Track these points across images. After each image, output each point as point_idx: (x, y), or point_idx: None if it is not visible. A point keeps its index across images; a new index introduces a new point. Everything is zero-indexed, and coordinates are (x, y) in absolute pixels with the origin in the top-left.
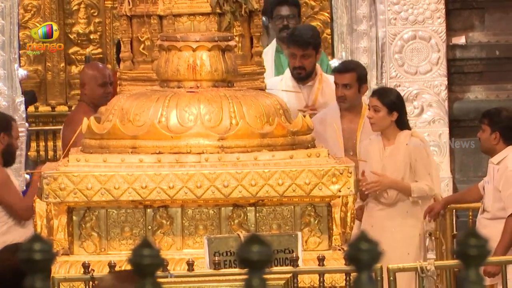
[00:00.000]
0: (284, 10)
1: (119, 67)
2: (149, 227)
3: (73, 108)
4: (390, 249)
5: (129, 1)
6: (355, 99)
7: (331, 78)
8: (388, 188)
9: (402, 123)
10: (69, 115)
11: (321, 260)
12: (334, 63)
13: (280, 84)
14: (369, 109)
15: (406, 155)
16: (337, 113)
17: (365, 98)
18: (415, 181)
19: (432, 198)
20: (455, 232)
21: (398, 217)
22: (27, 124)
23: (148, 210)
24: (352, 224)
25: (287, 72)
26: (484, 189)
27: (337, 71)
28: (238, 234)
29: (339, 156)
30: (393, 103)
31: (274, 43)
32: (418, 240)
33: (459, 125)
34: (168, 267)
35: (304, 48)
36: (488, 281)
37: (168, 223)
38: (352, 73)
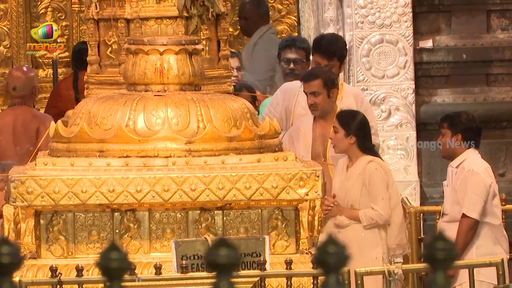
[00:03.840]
0: (291, 54)
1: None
2: (117, 231)
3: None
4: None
5: (96, 5)
6: (325, 105)
7: (351, 88)
8: (339, 215)
9: (365, 147)
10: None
11: (288, 263)
12: None
13: (299, 89)
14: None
15: (358, 180)
16: (311, 120)
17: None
18: (371, 206)
19: (388, 223)
20: (422, 235)
21: (354, 240)
22: None
23: (116, 213)
24: (319, 227)
25: None
26: (444, 193)
27: (303, 80)
28: (206, 238)
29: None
30: (350, 126)
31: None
32: (377, 264)
33: (426, 128)
34: (136, 271)
35: (329, 58)
36: None
37: (135, 226)
38: (318, 80)
